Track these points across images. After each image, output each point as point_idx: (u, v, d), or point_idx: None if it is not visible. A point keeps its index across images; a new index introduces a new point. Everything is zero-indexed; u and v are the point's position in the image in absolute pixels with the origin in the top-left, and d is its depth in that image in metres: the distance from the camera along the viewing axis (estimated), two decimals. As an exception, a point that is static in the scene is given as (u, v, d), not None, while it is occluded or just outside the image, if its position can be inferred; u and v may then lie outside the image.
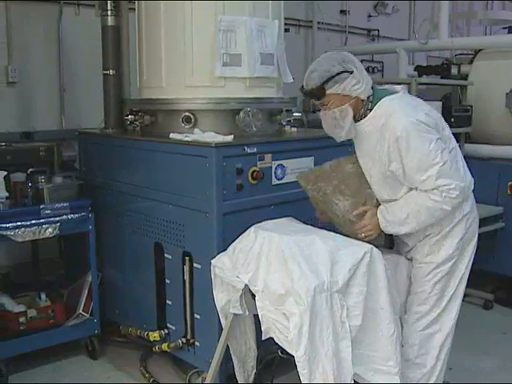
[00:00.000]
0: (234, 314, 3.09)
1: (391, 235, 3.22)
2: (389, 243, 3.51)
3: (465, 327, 4.64)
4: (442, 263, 3.02)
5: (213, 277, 3.12)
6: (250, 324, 3.21)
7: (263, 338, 2.79)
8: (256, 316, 3.01)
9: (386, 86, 3.10)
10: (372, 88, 2.98)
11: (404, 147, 2.80)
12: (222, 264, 3.06)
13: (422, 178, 2.81)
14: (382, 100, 2.93)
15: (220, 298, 3.12)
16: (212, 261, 3.11)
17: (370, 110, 2.95)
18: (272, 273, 2.77)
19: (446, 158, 2.79)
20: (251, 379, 3.42)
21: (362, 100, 2.94)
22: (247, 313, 3.06)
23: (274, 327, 2.71)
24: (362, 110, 2.96)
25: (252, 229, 3.07)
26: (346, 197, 3.07)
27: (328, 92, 2.89)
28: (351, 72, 2.87)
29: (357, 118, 2.98)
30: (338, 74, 2.85)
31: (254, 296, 2.88)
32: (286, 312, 2.64)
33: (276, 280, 2.73)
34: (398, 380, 2.83)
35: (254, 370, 3.40)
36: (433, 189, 2.80)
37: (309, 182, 3.15)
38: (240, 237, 3.08)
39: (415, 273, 3.10)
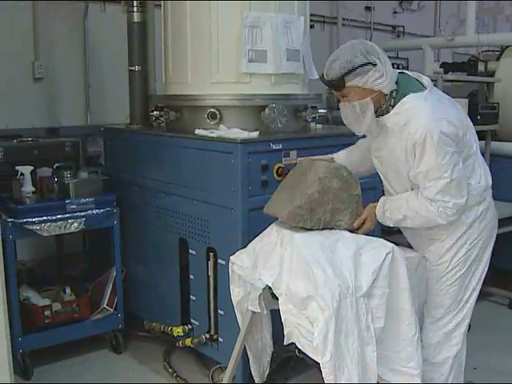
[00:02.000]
0: (252, 312, 3.08)
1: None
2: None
3: (490, 327, 4.63)
4: (456, 266, 2.94)
5: (230, 272, 3.10)
6: (266, 320, 3.20)
7: (285, 343, 2.75)
8: (272, 312, 3.00)
9: (412, 74, 2.94)
10: (397, 81, 2.82)
11: (418, 153, 2.71)
12: (240, 261, 3.03)
13: (426, 185, 2.75)
14: (406, 97, 2.77)
15: (236, 292, 3.11)
16: (231, 257, 3.09)
17: (393, 105, 2.80)
18: (295, 276, 2.72)
19: (454, 176, 2.70)
20: (265, 375, 3.40)
21: (385, 95, 2.79)
22: (265, 311, 3.04)
23: (297, 331, 2.67)
24: (384, 105, 2.82)
25: (274, 227, 3.01)
26: (344, 212, 2.96)
27: (348, 84, 2.74)
28: (374, 65, 2.71)
29: (378, 113, 2.84)
30: (360, 66, 2.70)
31: (273, 294, 2.86)
32: (310, 316, 2.61)
33: (299, 284, 2.68)
34: (418, 381, 2.78)
35: (269, 367, 3.38)
36: (431, 199, 2.75)
37: (304, 220, 2.89)
38: (261, 235, 3.05)
39: (430, 275, 3.03)
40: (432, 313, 3.03)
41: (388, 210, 2.94)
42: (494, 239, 3.08)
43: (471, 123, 2.93)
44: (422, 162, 2.72)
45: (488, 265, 3.07)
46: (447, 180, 2.69)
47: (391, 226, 3.01)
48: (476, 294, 3.04)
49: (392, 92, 2.81)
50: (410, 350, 2.78)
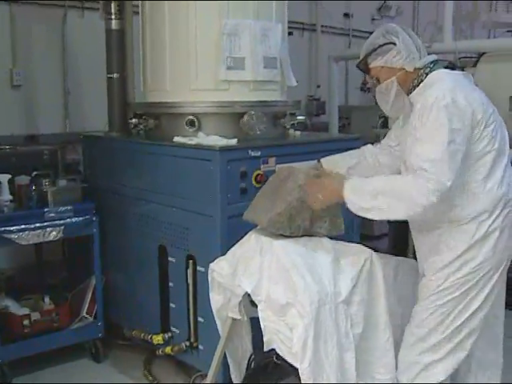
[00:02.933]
0: (232, 319, 3.08)
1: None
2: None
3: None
4: (450, 287, 2.72)
5: (210, 280, 3.09)
6: (246, 327, 3.20)
7: (265, 349, 2.76)
8: (252, 319, 3.01)
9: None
10: (433, 62, 2.80)
11: (424, 116, 2.61)
12: (220, 269, 3.03)
13: (417, 151, 2.61)
14: (435, 71, 2.77)
15: (216, 299, 3.09)
16: (210, 264, 3.09)
17: None
18: (275, 283, 2.73)
19: (449, 150, 2.52)
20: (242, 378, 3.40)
21: (412, 72, 2.77)
22: (246, 318, 3.04)
23: (277, 338, 2.68)
24: (415, 81, 2.79)
25: (253, 234, 3.01)
26: (323, 219, 2.94)
27: (372, 65, 2.84)
28: (394, 44, 2.76)
29: (410, 91, 2.81)
30: (380, 46, 2.78)
31: (252, 302, 2.87)
32: (289, 323, 2.62)
33: (279, 291, 2.70)
34: None
35: (247, 371, 3.37)
36: (416, 169, 2.57)
37: (284, 227, 2.89)
38: (240, 242, 3.05)
39: (420, 287, 2.85)
40: (414, 330, 2.82)
41: (359, 180, 2.80)
42: (504, 268, 2.78)
43: (501, 120, 2.78)
44: (422, 126, 2.62)
45: (494, 296, 2.78)
46: (440, 150, 2.53)
47: (352, 206, 2.72)
48: (471, 326, 2.75)
49: (425, 69, 2.79)
50: (383, 353, 2.81)
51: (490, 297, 2.75)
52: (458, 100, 2.58)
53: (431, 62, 2.81)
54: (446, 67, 2.84)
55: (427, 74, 2.77)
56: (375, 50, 2.80)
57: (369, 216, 2.69)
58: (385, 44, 2.78)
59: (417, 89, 2.78)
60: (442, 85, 2.65)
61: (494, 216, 2.69)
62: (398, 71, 2.79)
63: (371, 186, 2.70)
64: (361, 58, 2.88)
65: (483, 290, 2.72)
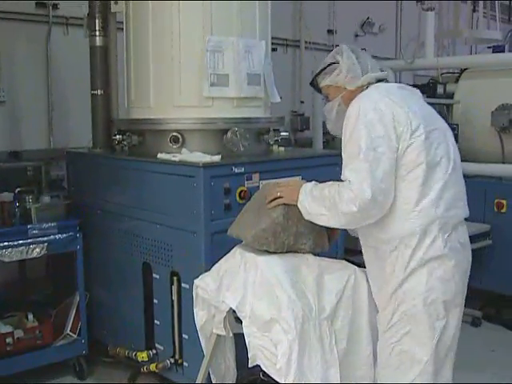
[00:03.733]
0: (217, 335, 3.07)
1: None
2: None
3: (453, 345, 4.66)
4: (398, 321, 2.59)
5: (194, 296, 3.09)
6: (229, 343, 3.20)
7: (250, 366, 2.76)
8: (236, 335, 3.01)
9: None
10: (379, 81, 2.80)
11: (346, 126, 2.63)
12: (205, 285, 3.03)
13: (343, 161, 2.61)
14: (369, 87, 2.79)
15: (200, 316, 3.08)
16: (195, 281, 3.08)
17: None
18: (259, 299, 2.74)
19: (368, 159, 2.48)
20: None
21: (356, 90, 2.77)
22: (230, 334, 3.04)
23: (261, 354, 2.68)
24: None
25: (237, 250, 3.01)
26: (307, 236, 2.93)
27: (321, 85, 2.89)
28: (338, 62, 2.80)
29: None
30: (328, 65, 2.83)
31: (236, 318, 2.87)
32: (273, 339, 2.62)
33: (263, 307, 2.71)
34: None
35: None
36: (344, 177, 2.57)
37: (269, 243, 2.87)
38: (224, 258, 3.05)
39: (377, 320, 2.75)
40: (381, 372, 2.71)
41: (312, 189, 2.76)
42: (461, 299, 2.69)
43: (448, 136, 2.71)
44: (346, 136, 2.62)
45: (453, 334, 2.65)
46: (359, 159, 2.50)
47: (303, 209, 2.76)
48: (440, 356, 2.60)
49: (367, 86, 2.79)
50: (365, 368, 2.81)
51: (449, 330, 2.62)
52: (379, 108, 2.56)
53: (375, 80, 2.80)
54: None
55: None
56: (324, 69, 2.86)
57: (313, 221, 2.75)
58: (331, 63, 2.83)
59: None
60: (367, 96, 2.67)
61: (429, 240, 2.54)
62: (343, 90, 2.82)
63: (319, 191, 2.70)
64: (312, 77, 2.95)
65: (438, 319, 2.57)
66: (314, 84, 2.95)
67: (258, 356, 2.72)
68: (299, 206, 2.78)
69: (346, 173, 2.56)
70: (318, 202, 2.67)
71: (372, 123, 2.53)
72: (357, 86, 2.78)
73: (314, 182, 2.79)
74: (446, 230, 2.57)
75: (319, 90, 2.95)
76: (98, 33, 4.30)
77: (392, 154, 2.52)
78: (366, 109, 2.57)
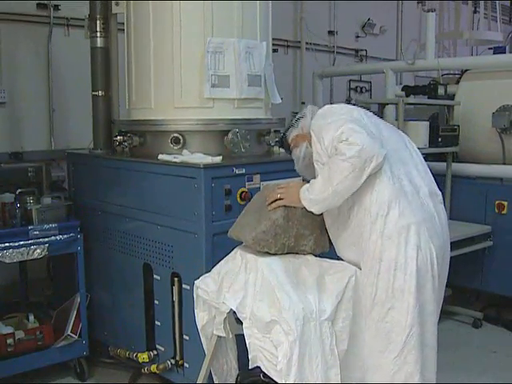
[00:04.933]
0: (218, 336, 3.08)
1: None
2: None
3: (455, 346, 4.67)
4: (385, 297, 2.67)
5: (195, 297, 3.08)
6: (231, 344, 3.20)
7: (250, 367, 2.76)
8: (238, 336, 3.00)
9: None
10: None
11: (323, 125, 2.78)
12: (205, 286, 3.03)
13: (328, 136, 2.69)
14: None
15: (201, 317, 3.08)
16: (195, 282, 3.08)
17: None
18: (259, 300, 2.74)
19: (351, 125, 2.64)
20: None
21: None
22: (231, 335, 3.04)
23: (262, 355, 2.68)
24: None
25: (238, 251, 3.02)
26: (308, 237, 2.96)
27: (290, 138, 3.05)
28: (303, 116, 3.02)
29: None
30: (296, 120, 3.04)
31: (237, 319, 2.87)
32: (274, 340, 2.62)
33: (264, 308, 2.71)
34: None
35: None
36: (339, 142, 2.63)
37: (269, 245, 2.89)
38: (225, 259, 3.06)
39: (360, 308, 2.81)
40: (368, 361, 2.75)
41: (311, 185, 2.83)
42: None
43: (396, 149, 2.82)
44: (322, 126, 2.77)
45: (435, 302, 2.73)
46: (346, 125, 2.64)
47: (311, 200, 2.80)
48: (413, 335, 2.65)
49: None
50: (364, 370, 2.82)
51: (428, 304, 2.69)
52: (351, 107, 2.87)
53: None
54: None
55: None
56: (292, 124, 3.04)
57: (323, 207, 2.80)
58: (298, 118, 3.04)
59: None
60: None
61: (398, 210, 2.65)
62: (309, 136, 2.89)
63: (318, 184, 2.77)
64: (281, 136, 3.16)
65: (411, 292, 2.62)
66: (283, 143, 3.12)
67: (258, 357, 2.72)
68: (303, 203, 2.82)
69: (339, 145, 2.61)
70: (319, 185, 2.73)
71: (348, 110, 2.82)
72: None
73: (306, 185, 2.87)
74: (414, 206, 2.69)
75: (288, 148, 3.08)
76: (98, 34, 4.29)
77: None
78: (335, 106, 2.89)
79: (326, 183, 2.68)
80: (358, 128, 2.63)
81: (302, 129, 2.99)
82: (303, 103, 7.51)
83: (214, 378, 3.29)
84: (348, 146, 2.58)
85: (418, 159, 2.90)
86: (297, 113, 3.14)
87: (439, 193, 2.89)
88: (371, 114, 2.92)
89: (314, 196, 2.78)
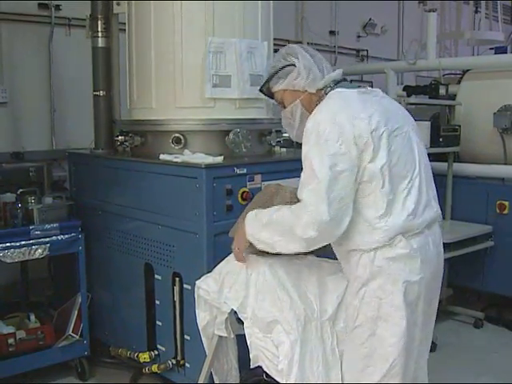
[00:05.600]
0: (219, 336, 3.07)
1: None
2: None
3: (456, 346, 4.68)
4: (364, 322, 2.52)
5: (196, 297, 3.05)
6: (232, 344, 3.19)
7: (251, 367, 2.75)
8: (238, 336, 3.00)
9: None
10: (335, 82, 2.65)
11: (305, 145, 2.47)
12: (206, 286, 3.00)
13: (301, 180, 2.46)
14: (330, 93, 2.62)
15: (202, 316, 3.04)
16: (197, 282, 3.05)
17: None
18: (261, 301, 2.73)
19: (325, 179, 2.34)
20: None
21: (316, 93, 2.66)
22: (232, 335, 3.02)
23: (263, 355, 2.68)
24: (317, 104, 2.62)
25: None
26: None
27: (275, 89, 2.73)
28: (294, 65, 2.64)
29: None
30: (280, 68, 2.67)
31: (238, 319, 2.86)
32: (275, 340, 2.62)
33: (265, 308, 2.70)
34: None
35: None
36: (299, 198, 2.44)
37: None
38: (226, 259, 3.02)
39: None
40: (345, 376, 2.64)
41: (257, 215, 2.65)
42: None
43: (408, 138, 2.55)
44: (304, 149, 2.48)
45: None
46: (317, 178, 2.36)
47: (253, 239, 2.65)
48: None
49: (325, 89, 2.65)
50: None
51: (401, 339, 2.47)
52: (339, 122, 2.40)
53: (333, 81, 2.66)
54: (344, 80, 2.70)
55: (327, 94, 2.63)
56: (276, 73, 2.69)
57: (262, 248, 2.63)
58: (285, 66, 2.67)
59: None
60: (326, 108, 2.51)
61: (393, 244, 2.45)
62: (301, 93, 2.68)
63: (265, 217, 2.59)
64: (263, 82, 2.79)
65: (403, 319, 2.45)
66: (264, 89, 2.80)
67: (259, 357, 2.72)
68: (250, 239, 2.65)
69: (303, 194, 2.41)
70: (269, 229, 2.54)
71: (332, 138, 2.38)
72: (317, 89, 2.66)
73: (255, 211, 2.70)
74: (410, 236, 2.47)
75: (271, 96, 2.81)
76: (100, 34, 4.28)
77: (352, 170, 2.38)
78: (325, 123, 2.41)
79: (287, 234, 2.47)
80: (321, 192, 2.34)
81: (293, 85, 2.67)
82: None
83: (215, 377, 3.28)
84: (305, 222, 2.37)
85: (424, 174, 2.57)
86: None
87: (439, 214, 2.65)
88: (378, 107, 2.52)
89: (262, 237, 2.60)
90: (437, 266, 2.60)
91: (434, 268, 2.57)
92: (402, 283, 2.43)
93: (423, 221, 2.50)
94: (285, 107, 2.75)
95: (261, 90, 2.84)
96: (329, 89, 2.64)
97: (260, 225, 2.60)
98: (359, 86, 2.69)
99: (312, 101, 2.67)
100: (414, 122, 2.70)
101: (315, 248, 2.51)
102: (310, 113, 2.59)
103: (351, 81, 2.83)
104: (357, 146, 2.38)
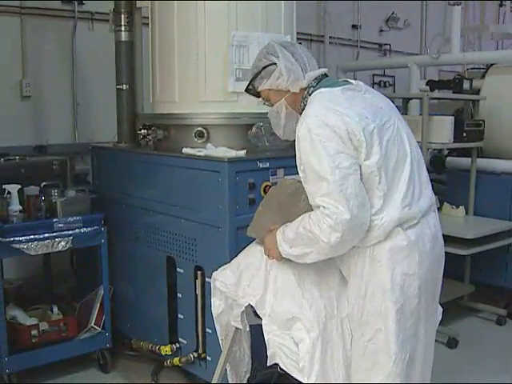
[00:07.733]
0: (235, 328, 3.07)
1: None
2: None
3: (478, 343, 4.65)
4: (369, 318, 2.51)
5: (212, 287, 3.04)
6: (245, 333, 3.18)
7: (268, 364, 2.73)
8: (252, 327, 2.98)
9: (342, 79, 2.72)
10: (317, 80, 2.62)
11: (298, 149, 2.48)
12: (224, 278, 2.97)
13: (308, 189, 2.45)
14: (313, 94, 2.57)
15: (217, 305, 3.02)
16: (214, 273, 3.04)
17: None
18: (280, 298, 2.71)
19: (336, 178, 2.32)
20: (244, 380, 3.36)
21: (299, 93, 2.62)
22: (248, 328, 2.99)
23: (281, 352, 2.66)
24: (301, 104, 2.62)
25: (258, 247, 2.95)
26: None
27: (260, 89, 2.71)
28: (275, 63, 2.60)
29: (300, 113, 2.61)
30: (263, 68, 2.64)
31: (255, 312, 2.84)
32: (295, 337, 2.61)
33: (284, 305, 2.68)
34: None
35: (248, 375, 3.27)
36: (314, 206, 2.41)
37: None
38: (245, 253, 3.02)
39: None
40: (356, 374, 2.60)
41: (285, 232, 2.61)
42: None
43: (400, 130, 2.53)
44: (302, 160, 2.46)
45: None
46: (327, 183, 2.33)
47: (286, 254, 2.62)
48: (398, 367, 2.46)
49: (308, 89, 2.62)
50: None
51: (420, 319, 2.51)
52: (330, 123, 2.37)
53: (315, 80, 2.62)
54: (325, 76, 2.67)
55: (310, 94, 2.59)
56: (259, 73, 2.67)
57: (304, 261, 2.57)
58: (266, 66, 2.64)
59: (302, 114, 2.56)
60: (313, 113, 2.45)
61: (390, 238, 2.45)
62: (285, 93, 2.65)
63: (293, 232, 2.55)
64: (248, 82, 2.76)
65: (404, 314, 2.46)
66: (250, 89, 2.77)
67: (277, 354, 2.69)
68: (286, 257, 2.63)
69: (316, 200, 2.38)
70: (298, 243, 2.52)
71: (328, 139, 2.36)
72: (301, 88, 2.63)
73: (283, 225, 2.65)
74: (408, 227, 2.46)
75: (257, 95, 2.78)
76: (123, 28, 4.30)
77: (355, 165, 2.38)
78: (316, 128, 2.38)
79: (315, 243, 2.43)
80: (336, 193, 2.32)
81: (276, 85, 2.64)
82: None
83: (227, 364, 3.28)
84: (327, 227, 2.34)
85: (416, 162, 2.55)
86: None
87: (434, 202, 2.64)
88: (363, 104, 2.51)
89: (295, 252, 2.56)
90: (436, 256, 2.58)
91: (433, 258, 2.55)
92: (400, 276, 2.43)
93: (419, 210, 2.48)
94: (272, 105, 2.75)
95: (246, 90, 2.82)
96: (311, 88, 2.61)
97: (289, 242, 2.57)
98: (345, 81, 2.66)
99: (297, 100, 2.66)
100: (397, 110, 2.67)
101: (344, 252, 2.48)
102: (296, 111, 2.64)
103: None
104: (352, 142, 2.38)
